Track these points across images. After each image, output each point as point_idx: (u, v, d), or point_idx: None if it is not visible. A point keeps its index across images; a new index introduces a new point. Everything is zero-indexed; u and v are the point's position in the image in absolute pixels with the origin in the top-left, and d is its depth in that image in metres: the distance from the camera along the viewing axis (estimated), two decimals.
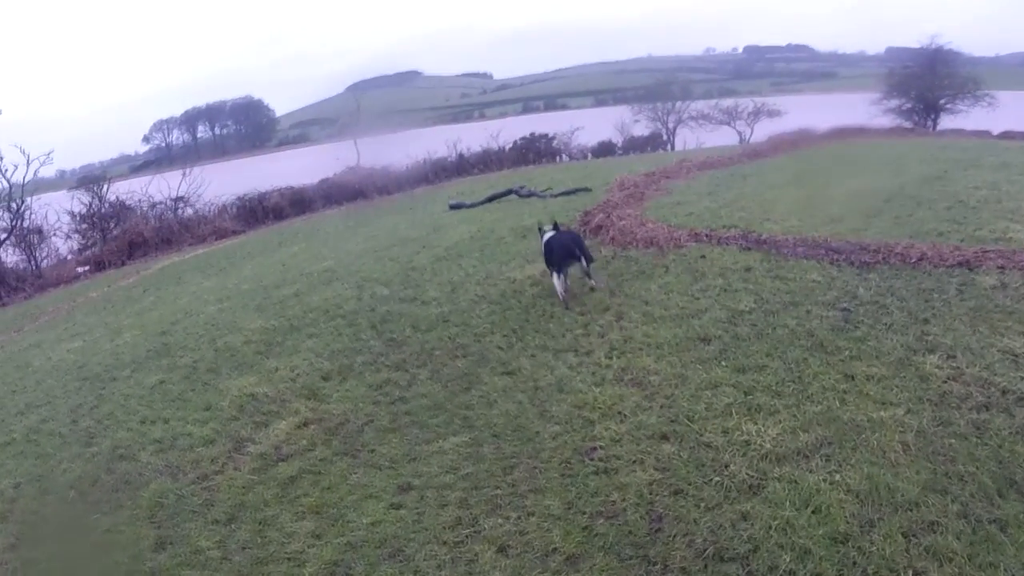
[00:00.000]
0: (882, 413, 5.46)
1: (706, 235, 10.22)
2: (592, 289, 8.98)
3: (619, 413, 6.13)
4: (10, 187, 25.91)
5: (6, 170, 25.61)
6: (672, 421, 5.84)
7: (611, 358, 7.20)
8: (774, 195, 12.90)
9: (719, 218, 11.36)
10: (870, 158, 16.95)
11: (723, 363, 6.67)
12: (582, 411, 6.29)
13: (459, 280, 10.59)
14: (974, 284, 7.69)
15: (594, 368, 7.06)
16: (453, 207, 18.53)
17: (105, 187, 28.75)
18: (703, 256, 9.52)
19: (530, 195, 17.50)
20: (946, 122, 32.83)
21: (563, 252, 8.75)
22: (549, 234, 9.05)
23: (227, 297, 12.78)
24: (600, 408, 6.27)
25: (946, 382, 5.83)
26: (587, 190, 16.49)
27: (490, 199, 18.18)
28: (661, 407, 6.09)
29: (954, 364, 6.07)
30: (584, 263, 8.87)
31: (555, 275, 8.77)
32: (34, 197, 27.28)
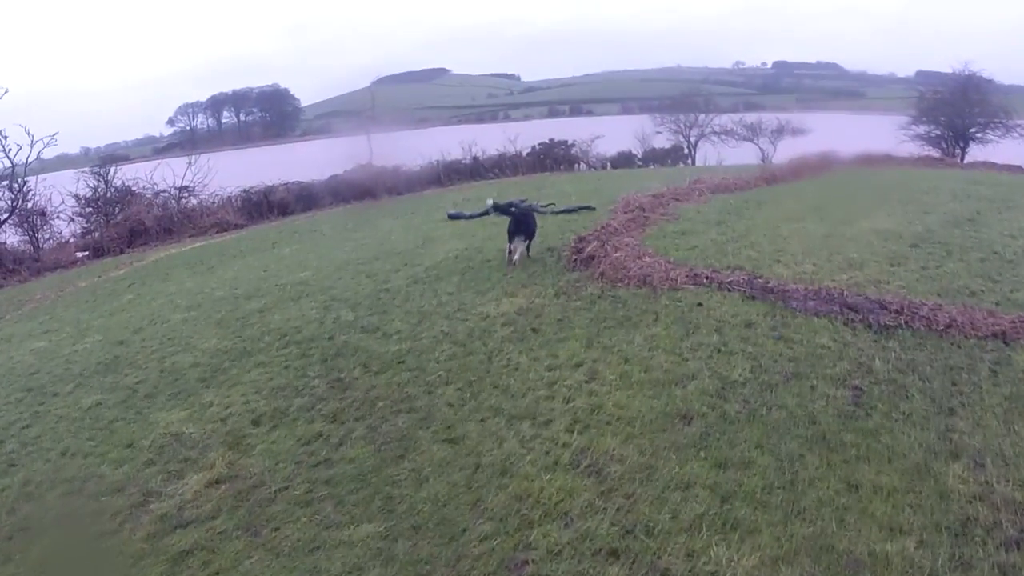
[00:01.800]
0: (888, 546, 4.33)
1: (707, 277, 9.09)
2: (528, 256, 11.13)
3: (565, 514, 5.05)
4: (12, 167, 25.01)
5: (9, 149, 24.71)
6: (627, 533, 4.75)
7: (572, 432, 6.12)
8: (789, 230, 11.71)
9: (724, 255, 10.21)
10: (896, 191, 15.67)
11: (702, 453, 5.56)
12: (523, 505, 5.23)
13: (429, 310, 9.62)
14: (1010, 364, 6.59)
15: (549, 445, 5.98)
16: (452, 217, 17.53)
17: (112, 170, 27.74)
18: (700, 304, 8.42)
19: (530, 209, 16.28)
20: (975, 151, 31.68)
21: (518, 228, 11.00)
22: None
23: (197, 305, 11.94)
24: (545, 504, 5.20)
25: (971, 502, 4.74)
26: (590, 208, 15.38)
27: (487, 212, 17.02)
28: (617, 510, 4.99)
29: (982, 478, 4.98)
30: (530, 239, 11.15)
31: (510, 242, 10.84)
32: (39, 177, 26.45)
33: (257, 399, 7.49)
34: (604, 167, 34.88)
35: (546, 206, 16.49)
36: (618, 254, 10.30)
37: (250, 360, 8.68)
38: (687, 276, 9.19)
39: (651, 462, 5.52)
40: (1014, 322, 7.30)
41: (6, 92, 24.64)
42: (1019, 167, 22.00)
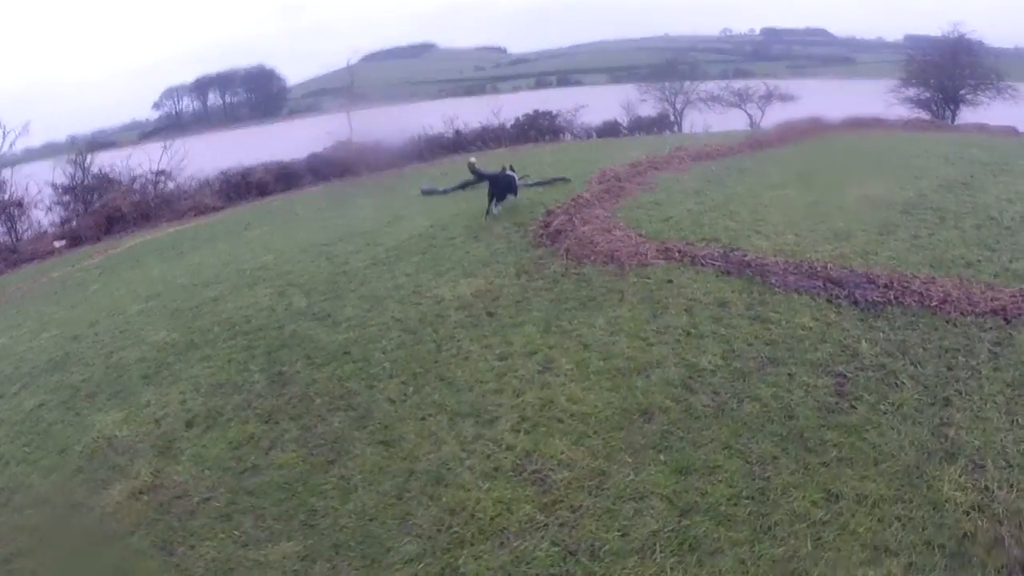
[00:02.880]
0: (872, 571, 3.58)
1: (679, 251, 8.34)
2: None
3: (502, 531, 4.43)
4: None
5: None
6: (569, 555, 4.11)
7: (518, 432, 5.46)
8: (771, 198, 10.94)
9: (701, 226, 9.46)
10: (886, 154, 14.83)
11: (661, 456, 4.89)
12: (456, 520, 4.62)
13: (383, 294, 8.96)
14: (1012, 344, 5.89)
15: (491, 448, 5.33)
16: (425, 192, 16.72)
17: (88, 158, 26.92)
18: (670, 280, 7.69)
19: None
20: (966, 114, 30.96)
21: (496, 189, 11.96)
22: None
23: (157, 294, 11.28)
24: (480, 519, 4.58)
25: (969, 514, 4.10)
26: (565, 180, 14.53)
27: (463, 186, 16.26)
28: (560, 526, 4.35)
29: (982, 483, 4.31)
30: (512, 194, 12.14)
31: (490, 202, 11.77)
32: (15, 168, 26.03)
33: (195, 397, 6.95)
34: (589, 137, 34.08)
35: (521, 178, 15.66)
36: (586, 228, 9.55)
37: (195, 354, 8.11)
38: (658, 251, 8.45)
39: (603, 467, 4.85)
40: (1015, 296, 6.59)
41: None
42: (1013, 128, 21.17)
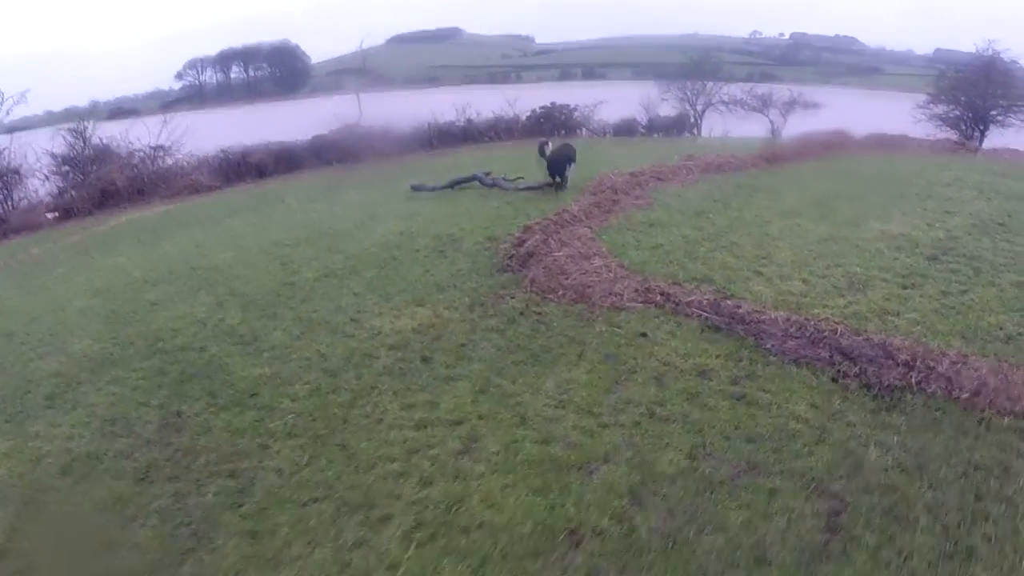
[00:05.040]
0: None
1: (662, 292, 7.01)
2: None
3: None
4: None
5: None
6: None
7: (409, 544, 4.27)
8: (781, 228, 9.52)
9: (694, 259, 8.12)
10: (913, 181, 13.25)
11: None
12: None
13: (320, 318, 7.91)
14: None
15: (370, 566, 4.16)
16: (415, 189, 15.65)
17: (90, 128, 25.61)
18: (644, 334, 6.36)
19: (493, 184, 14.24)
20: (994, 136, 29.41)
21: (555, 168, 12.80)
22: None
23: (107, 289, 10.45)
24: None
25: None
26: (560, 186, 13.16)
27: (453, 184, 15.04)
28: None
29: None
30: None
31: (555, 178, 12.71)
32: (13, 136, 24.56)
33: (84, 433, 6.02)
34: (605, 135, 32.71)
35: (514, 179, 14.39)
36: (561, 253, 8.22)
37: (107, 373, 7.25)
38: (636, 291, 7.12)
39: None
40: None
41: None
42: None
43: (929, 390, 5.33)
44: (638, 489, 4.44)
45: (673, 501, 4.33)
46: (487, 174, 14.93)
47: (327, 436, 5.50)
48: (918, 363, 5.60)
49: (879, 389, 5.37)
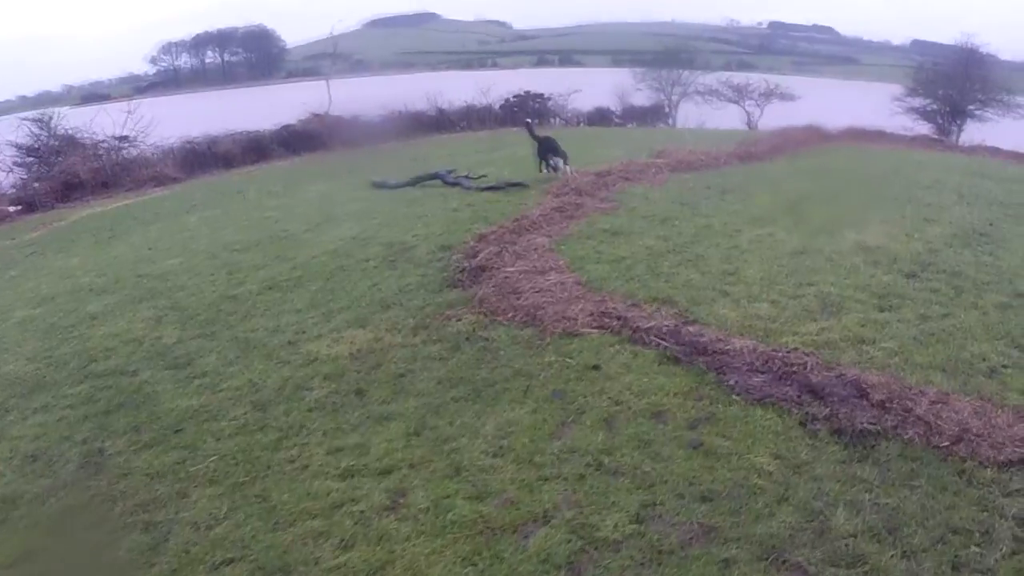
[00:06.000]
0: None
1: (619, 317, 6.42)
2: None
3: None
4: None
5: None
6: None
7: None
8: (751, 239, 9.00)
9: (657, 276, 7.57)
10: (891, 182, 12.74)
11: None
12: None
13: (258, 339, 7.30)
14: None
15: None
16: (376, 185, 15.17)
17: (55, 117, 24.71)
18: (596, 367, 5.82)
19: (455, 183, 13.68)
20: (971, 130, 29.42)
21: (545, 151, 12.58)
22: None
23: (51, 298, 9.77)
24: None
25: None
26: (524, 186, 12.63)
27: (415, 182, 14.47)
28: None
29: None
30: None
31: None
32: None
33: (4, 471, 5.42)
34: (579, 124, 32.32)
35: (478, 178, 13.86)
36: (515, 267, 7.66)
37: (37, 399, 6.54)
38: (592, 314, 6.57)
39: None
40: None
41: None
42: None
43: (906, 436, 4.81)
44: (574, 559, 3.89)
45: (615, 574, 3.78)
46: (450, 172, 14.38)
47: (248, 485, 4.92)
48: (895, 404, 5.08)
49: (851, 435, 4.84)
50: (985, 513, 4.15)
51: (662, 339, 6.09)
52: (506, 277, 7.44)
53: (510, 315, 6.79)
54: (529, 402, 5.45)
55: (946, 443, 4.70)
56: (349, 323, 7.33)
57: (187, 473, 5.14)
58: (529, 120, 14.00)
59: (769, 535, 4.02)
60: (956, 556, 3.86)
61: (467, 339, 6.56)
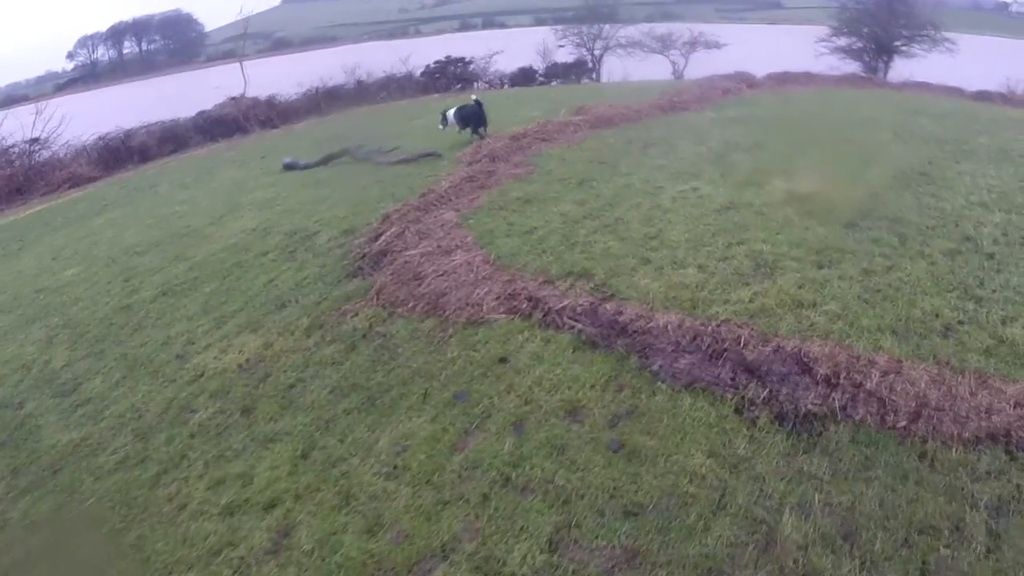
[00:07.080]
0: None
1: (529, 299, 5.67)
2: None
3: None
4: None
5: None
6: None
7: None
8: (674, 196, 8.30)
9: (572, 247, 6.84)
10: (821, 123, 12.23)
11: None
12: None
13: (145, 355, 6.62)
14: (1021, 512, 3.25)
15: None
16: (287, 167, 14.28)
17: None
18: (503, 359, 5.06)
19: (366, 158, 12.79)
20: (899, 66, 29.15)
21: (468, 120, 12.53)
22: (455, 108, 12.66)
23: None
24: None
25: None
26: (437, 155, 11.78)
27: (325, 160, 13.58)
28: None
29: None
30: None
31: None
32: None
33: None
34: (502, 86, 31.49)
35: (390, 150, 13.00)
36: (417, 249, 6.90)
37: None
38: (499, 296, 5.83)
39: None
40: (1022, 404, 4.04)
41: None
42: (957, 89, 18.98)
43: (857, 417, 4.18)
44: None
45: None
46: (359, 147, 13.47)
47: (124, 531, 4.29)
48: (842, 378, 4.43)
49: (795, 421, 4.19)
50: (954, 504, 3.54)
51: (577, 321, 5.38)
52: (407, 261, 6.66)
53: (410, 305, 6.03)
54: (428, 409, 4.73)
55: (903, 422, 4.09)
56: (241, 328, 6.57)
57: (62, 522, 4.56)
58: (477, 99, 13.29)
59: (704, 555, 3.36)
60: (924, 561, 3.26)
61: (363, 337, 5.82)
